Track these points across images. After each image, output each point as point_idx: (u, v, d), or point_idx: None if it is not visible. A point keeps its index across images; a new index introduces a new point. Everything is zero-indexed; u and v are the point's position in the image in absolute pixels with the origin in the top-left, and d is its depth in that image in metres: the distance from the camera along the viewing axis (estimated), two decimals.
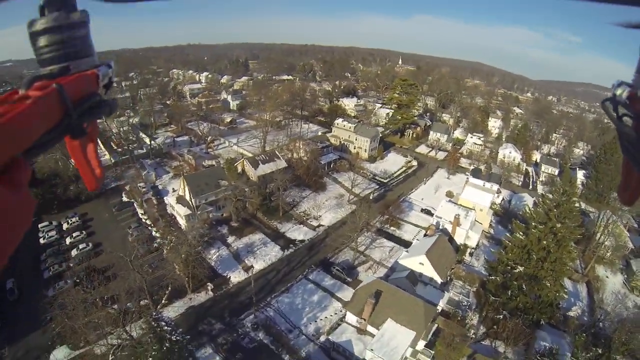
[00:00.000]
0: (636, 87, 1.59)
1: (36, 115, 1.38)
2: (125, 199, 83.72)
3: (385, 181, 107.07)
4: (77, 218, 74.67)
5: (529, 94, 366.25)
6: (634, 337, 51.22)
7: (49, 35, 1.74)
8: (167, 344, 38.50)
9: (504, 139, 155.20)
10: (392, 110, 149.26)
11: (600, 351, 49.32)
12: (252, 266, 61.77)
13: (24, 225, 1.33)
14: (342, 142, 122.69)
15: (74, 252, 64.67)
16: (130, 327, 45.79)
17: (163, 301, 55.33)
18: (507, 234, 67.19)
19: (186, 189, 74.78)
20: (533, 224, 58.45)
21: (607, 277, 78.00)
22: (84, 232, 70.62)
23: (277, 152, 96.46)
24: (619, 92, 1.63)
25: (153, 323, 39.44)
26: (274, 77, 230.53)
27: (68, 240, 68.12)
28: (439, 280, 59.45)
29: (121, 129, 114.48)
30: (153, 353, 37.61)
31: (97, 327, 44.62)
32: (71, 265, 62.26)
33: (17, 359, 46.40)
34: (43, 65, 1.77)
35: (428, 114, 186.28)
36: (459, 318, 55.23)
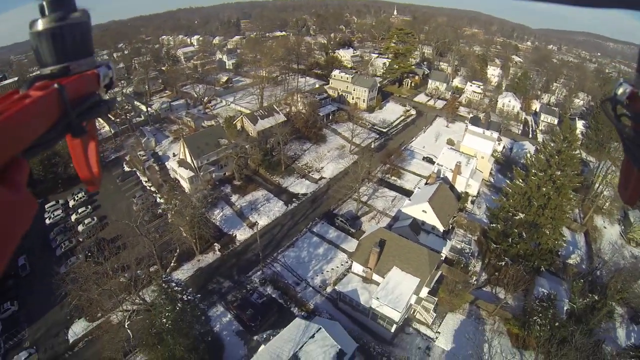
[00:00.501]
0: (637, 87, 1.59)
1: (35, 115, 1.39)
2: (127, 168, 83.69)
3: (384, 130, 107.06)
4: (83, 193, 74.64)
5: (528, 43, 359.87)
6: (628, 285, 52.91)
7: (50, 35, 1.72)
8: (179, 304, 39.12)
9: (503, 88, 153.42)
10: (389, 60, 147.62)
11: (596, 297, 50.96)
12: (256, 222, 62.17)
13: (24, 225, 1.33)
14: (340, 94, 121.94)
15: (80, 228, 65.32)
16: (142, 292, 47.10)
17: (172, 264, 56.28)
18: (508, 182, 67.28)
19: (186, 151, 74.35)
20: (533, 171, 58.35)
21: (605, 227, 79.57)
22: (89, 206, 70.92)
23: (275, 107, 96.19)
24: (620, 91, 1.62)
25: (164, 285, 39.82)
26: (267, 34, 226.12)
27: (74, 217, 68.49)
28: (441, 228, 59.73)
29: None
30: (167, 314, 38.17)
31: (111, 296, 45.37)
32: (81, 240, 62.83)
33: (37, 339, 47.44)
34: (43, 66, 1.74)
35: (426, 63, 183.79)
36: (462, 265, 56.17)
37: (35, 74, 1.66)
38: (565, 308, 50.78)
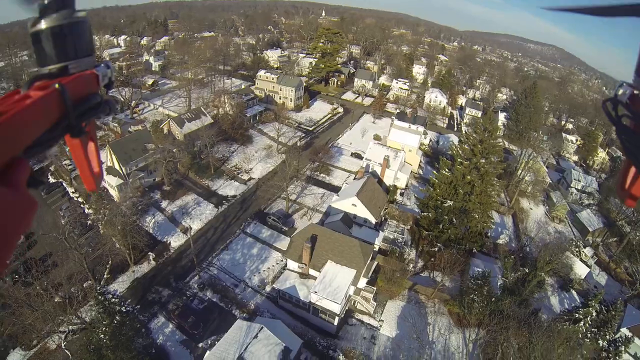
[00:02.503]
0: (637, 88, 1.70)
1: (36, 115, 1.43)
2: (52, 179, 79.91)
3: (310, 129, 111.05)
4: None
5: (455, 43, 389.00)
6: (555, 257, 59.13)
7: (49, 34, 1.78)
8: (117, 317, 38.49)
9: (429, 85, 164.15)
10: (316, 60, 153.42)
11: (527, 270, 56.73)
12: (189, 227, 62.60)
13: (24, 226, 1.37)
14: (268, 94, 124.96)
15: None
16: (81, 312, 46.17)
17: (105, 275, 55.00)
18: (435, 172, 72.58)
19: (113, 157, 73.20)
20: (459, 160, 63.76)
21: (530, 209, 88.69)
22: None
23: (202, 109, 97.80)
24: (620, 92, 1.73)
25: (100, 297, 38.80)
26: (195, 35, 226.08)
27: None
28: (373, 220, 62.87)
29: None
30: (104, 328, 37.48)
31: (47, 319, 43.60)
32: (7, 262, 56.97)
33: None
34: (42, 65, 1.80)
35: (352, 62, 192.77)
36: (397, 254, 59.53)
37: (34, 74, 1.76)
38: (499, 283, 55.80)
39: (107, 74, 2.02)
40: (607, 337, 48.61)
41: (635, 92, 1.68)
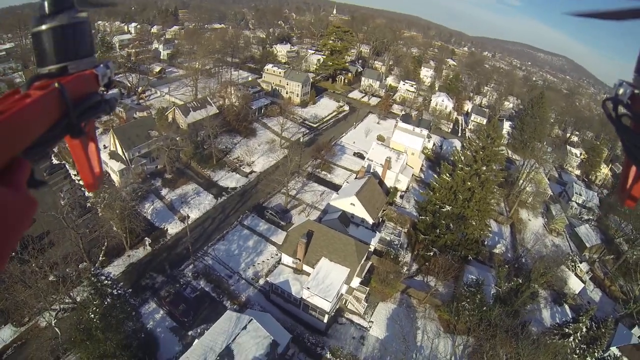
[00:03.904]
0: (638, 87, 1.69)
1: (36, 114, 1.43)
2: (55, 161, 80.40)
3: (315, 126, 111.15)
4: None
5: (465, 48, 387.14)
6: (550, 270, 59.04)
7: (49, 35, 1.79)
8: (108, 299, 38.78)
9: (436, 88, 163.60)
10: (324, 57, 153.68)
11: (520, 281, 56.68)
12: (187, 216, 63.43)
13: (24, 225, 1.36)
14: (274, 88, 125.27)
15: None
16: (73, 292, 46.60)
17: (100, 258, 55.55)
18: (435, 176, 72.40)
19: (117, 142, 73.65)
20: (460, 166, 63.61)
21: (529, 220, 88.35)
22: None
23: (209, 99, 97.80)
24: (620, 91, 1.73)
25: (93, 279, 39.14)
26: (205, 26, 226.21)
27: None
28: (370, 221, 62.94)
29: None
30: (94, 309, 37.70)
31: (39, 297, 43.90)
32: None
33: None
34: (42, 65, 1.81)
35: (361, 61, 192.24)
36: (392, 256, 59.48)
37: (34, 74, 1.76)
38: (492, 292, 55.75)
39: (107, 73, 2.02)
40: (596, 354, 48.45)
41: (636, 91, 1.66)
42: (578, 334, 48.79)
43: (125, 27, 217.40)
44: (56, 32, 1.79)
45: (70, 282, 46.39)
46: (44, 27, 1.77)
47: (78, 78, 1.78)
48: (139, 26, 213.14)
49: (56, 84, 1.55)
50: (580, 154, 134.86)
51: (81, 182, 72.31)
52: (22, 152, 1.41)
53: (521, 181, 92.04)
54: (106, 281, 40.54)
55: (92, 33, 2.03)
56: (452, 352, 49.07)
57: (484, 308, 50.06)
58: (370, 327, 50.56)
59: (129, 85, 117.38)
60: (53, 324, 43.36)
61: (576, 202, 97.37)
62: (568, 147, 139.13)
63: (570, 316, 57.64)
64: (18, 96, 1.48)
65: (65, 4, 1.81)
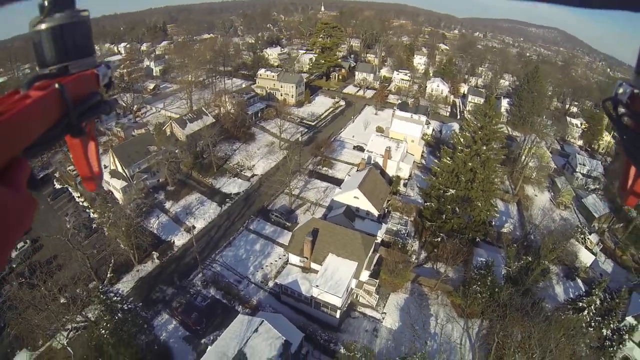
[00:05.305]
0: (637, 87, 1.64)
1: (36, 115, 1.43)
2: (58, 185, 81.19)
3: (313, 124, 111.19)
4: None
5: (455, 31, 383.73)
6: (560, 244, 58.11)
7: (49, 35, 1.75)
8: (119, 314, 39.10)
9: (431, 74, 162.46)
10: (316, 55, 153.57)
11: (530, 259, 55.68)
12: (193, 226, 63.30)
13: (24, 225, 1.36)
14: (269, 92, 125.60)
15: (13, 254, 61.70)
16: (85, 311, 46.81)
17: (108, 275, 55.83)
18: (436, 161, 71.59)
19: (116, 161, 74.38)
20: (459, 147, 62.72)
21: (535, 195, 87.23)
22: None
23: (204, 110, 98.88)
24: (620, 91, 1.68)
25: (102, 296, 39.55)
26: (194, 38, 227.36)
27: None
28: (375, 213, 62.36)
29: None
30: (105, 325, 38.11)
31: (52, 319, 44.14)
32: (14, 266, 60.02)
33: None
34: (43, 65, 1.78)
35: (353, 56, 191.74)
36: (399, 246, 58.79)
37: (34, 74, 1.74)
38: (502, 273, 54.90)
39: (107, 73, 2.02)
40: (612, 325, 47.62)
41: (636, 91, 1.66)
42: (592, 306, 47.93)
43: (115, 48, 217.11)
44: (56, 32, 1.76)
45: (81, 301, 46.60)
46: (43, 26, 1.74)
47: (79, 78, 1.77)
48: (128, 45, 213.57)
49: (56, 85, 1.55)
50: (581, 123, 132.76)
51: (85, 204, 72.69)
52: (23, 152, 1.42)
53: (523, 157, 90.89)
54: (115, 297, 40.84)
55: (91, 32, 1.97)
56: (465, 336, 48.41)
57: (496, 290, 49.35)
58: (383, 318, 50.12)
59: (125, 105, 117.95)
60: (65, 344, 43.60)
61: (581, 173, 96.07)
62: (568, 118, 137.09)
63: (584, 290, 56.64)
64: (18, 97, 1.48)
65: (65, 3, 1.78)
